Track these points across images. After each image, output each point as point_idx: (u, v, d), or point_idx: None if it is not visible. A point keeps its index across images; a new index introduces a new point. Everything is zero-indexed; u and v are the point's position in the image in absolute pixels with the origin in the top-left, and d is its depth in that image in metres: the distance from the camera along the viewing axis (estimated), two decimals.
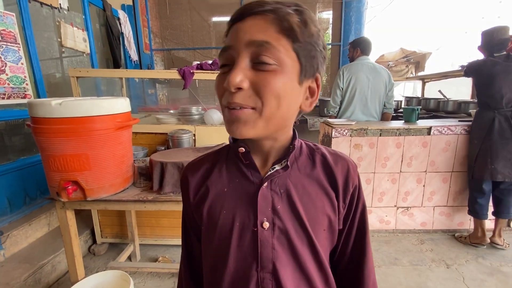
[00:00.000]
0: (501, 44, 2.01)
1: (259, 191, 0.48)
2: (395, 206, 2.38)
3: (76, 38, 2.76)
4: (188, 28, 4.69)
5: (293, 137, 0.51)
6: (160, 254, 2.10)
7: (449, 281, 1.81)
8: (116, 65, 3.44)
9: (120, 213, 2.09)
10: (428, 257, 2.06)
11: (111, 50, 3.40)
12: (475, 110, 2.35)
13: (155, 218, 2.10)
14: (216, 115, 2.09)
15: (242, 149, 0.48)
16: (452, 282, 1.79)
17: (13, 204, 1.97)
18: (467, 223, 2.38)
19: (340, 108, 2.61)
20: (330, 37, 4.53)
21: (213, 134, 2.03)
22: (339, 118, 2.59)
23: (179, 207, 1.33)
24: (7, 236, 1.78)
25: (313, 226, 0.49)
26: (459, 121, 2.43)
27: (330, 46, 4.46)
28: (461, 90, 5.08)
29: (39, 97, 2.22)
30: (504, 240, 2.13)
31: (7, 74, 1.91)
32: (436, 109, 3.41)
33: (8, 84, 1.92)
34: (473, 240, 2.18)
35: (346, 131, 2.24)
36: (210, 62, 2.14)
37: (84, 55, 2.93)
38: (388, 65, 5.56)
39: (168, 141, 1.92)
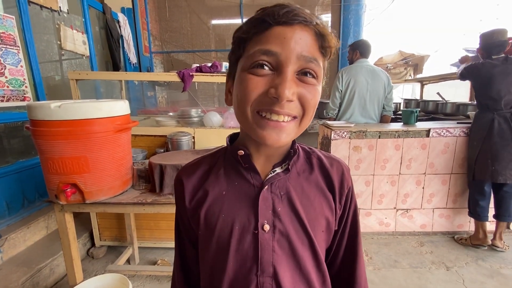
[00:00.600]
0: (500, 46, 2.03)
1: (260, 194, 0.48)
2: (395, 208, 2.38)
3: (76, 40, 2.76)
4: (187, 31, 4.71)
5: (293, 141, 0.51)
6: (159, 257, 2.09)
7: (449, 283, 1.80)
8: (116, 67, 3.45)
9: (119, 215, 2.09)
10: (428, 259, 2.05)
11: (110, 53, 3.41)
12: (474, 112, 2.37)
13: (154, 221, 2.10)
14: (216, 118, 2.09)
15: (242, 152, 0.48)
16: (452, 285, 1.79)
17: (11, 207, 1.96)
18: (467, 225, 2.38)
19: (339, 110, 2.61)
20: None
21: (213, 137, 2.03)
22: (338, 120, 2.59)
23: None
24: (5, 239, 1.77)
25: (313, 228, 0.49)
26: (457, 123, 2.44)
27: None
28: (460, 92, 5.11)
29: (38, 99, 2.22)
30: (504, 242, 2.13)
31: (6, 77, 1.91)
32: (435, 111, 3.43)
33: (7, 86, 1.92)
34: (474, 241, 2.17)
35: (345, 133, 2.24)
36: (209, 64, 2.15)
37: (84, 57, 2.93)
38: (387, 67, 5.58)
39: (168, 144, 1.92)
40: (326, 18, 4.76)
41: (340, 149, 2.28)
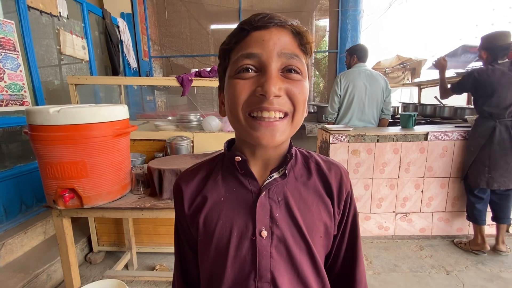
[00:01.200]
0: (505, 50, 1.95)
1: (258, 200, 0.48)
2: (394, 212, 2.37)
3: (75, 45, 2.78)
4: (186, 35, 4.74)
5: (290, 145, 0.51)
6: (158, 263, 2.07)
7: (449, 287, 1.79)
8: (115, 72, 3.46)
9: (117, 220, 2.07)
10: (428, 263, 2.04)
11: (110, 58, 3.42)
12: (471, 116, 2.37)
13: (152, 226, 2.08)
14: (214, 122, 2.09)
15: (239, 158, 0.48)
16: None
17: (9, 212, 1.95)
18: (466, 228, 2.38)
19: (338, 115, 2.63)
20: (327, 44, 4.59)
21: (211, 141, 2.03)
22: (337, 124, 2.60)
23: None
24: (2, 244, 1.75)
25: (311, 233, 0.49)
26: (455, 126, 2.45)
27: (327, 53, 4.52)
28: (457, 96, 5.13)
29: (37, 104, 2.22)
30: (506, 245, 2.12)
31: (5, 82, 1.91)
32: (433, 115, 3.45)
33: (6, 91, 1.92)
34: (473, 247, 2.16)
35: (344, 137, 2.25)
36: (208, 69, 2.16)
37: (83, 62, 2.94)
38: (385, 71, 5.63)
39: (166, 148, 1.92)
40: (324, 23, 4.81)
41: (339, 153, 2.28)
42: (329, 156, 2.28)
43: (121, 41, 3.65)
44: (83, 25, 2.96)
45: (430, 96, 3.86)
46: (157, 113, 3.86)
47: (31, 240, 1.97)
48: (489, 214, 2.17)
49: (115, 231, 2.11)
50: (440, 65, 2.37)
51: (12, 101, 1.96)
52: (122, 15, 3.87)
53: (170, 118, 2.49)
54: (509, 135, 1.99)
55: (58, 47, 2.57)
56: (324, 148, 2.39)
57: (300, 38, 0.44)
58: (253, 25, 0.43)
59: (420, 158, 2.28)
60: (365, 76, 2.47)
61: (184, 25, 4.72)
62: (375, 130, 2.37)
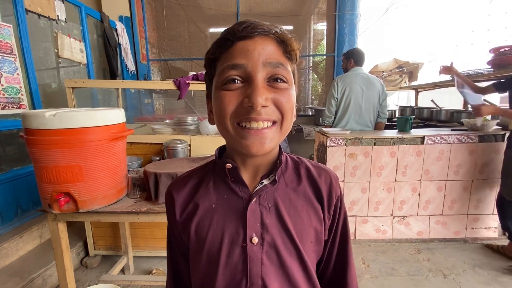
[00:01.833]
0: None
1: (248, 207, 0.48)
2: (391, 215, 2.37)
3: (73, 49, 2.78)
4: (185, 39, 4.75)
5: (280, 152, 0.52)
6: (154, 267, 2.06)
7: None
8: (113, 75, 3.46)
9: (113, 224, 2.06)
10: (425, 266, 2.04)
11: (108, 61, 3.42)
12: (468, 120, 2.38)
13: (149, 230, 2.08)
14: (212, 125, 2.10)
15: (229, 165, 0.48)
16: None
17: (4, 215, 1.94)
18: (463, 232, 2.38)
19: (335, 118, 2.64)
20: (325, 48, 4.61)
21: (208, 144, 2.03)
22: (334, 127, 2.61)
23: None
24: None
25: (301, 239, 0.49)
26: (451, 130, 2.47)
27: (324, 57, 4.54)
28: (454, 99, 5.16)
29: (34, 107, 2.22)
30: None
31: (2, 85, 1.91)
32: (429, 118, 3.47)
33: (3, 94, 1.92)
34: (510, 253, 2.08)
35: (341, 140, 2.26)
36: None
37: (81, 65, 2.95)
38: (382, 75, 5.65)
39: (163, 151, 1.92)
40: (322, 26, 4.84)
41: (336, 156, 2.28)
42: (326, 159, 2.30)
43: (119, 44, 3.66)
44: (81, 28, 2.96)
45: (427, 99, 3.89)
46: (155, 116, 3.86)
47: (27, 244, 1.95)
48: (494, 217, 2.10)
49: (111, 235, 2.10)
50: (448, 70, 2.33)
51: (9, 104, 1.96)
52: (121, 18, 3.88)
53: (167, 121, 2.49)
54: None
55: (56, 50, 2.57)
56: (322, 152, 2.40)
57: (285, 46, 0.44)
58: (236, 35, 0.43)
59: (417, 161, 2.29)
60: (362, 80, 2.49)
61: (182, 28, 4.73)
62: (372, 133, 2.38)
